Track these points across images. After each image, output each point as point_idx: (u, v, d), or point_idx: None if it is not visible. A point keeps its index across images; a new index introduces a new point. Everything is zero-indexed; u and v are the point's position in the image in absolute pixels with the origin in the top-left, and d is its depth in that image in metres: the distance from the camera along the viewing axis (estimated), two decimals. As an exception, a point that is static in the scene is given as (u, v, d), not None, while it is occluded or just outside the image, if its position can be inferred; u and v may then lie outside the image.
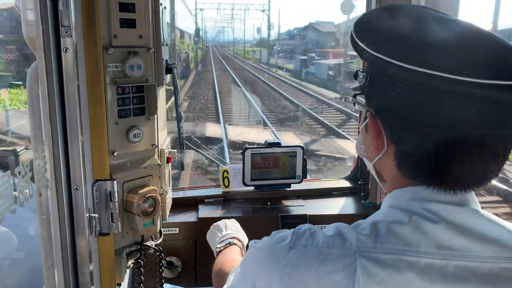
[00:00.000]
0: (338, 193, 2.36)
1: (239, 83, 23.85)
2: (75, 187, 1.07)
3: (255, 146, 2.15)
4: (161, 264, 1.61)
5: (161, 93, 1.50)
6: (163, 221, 1.55)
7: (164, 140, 1.56)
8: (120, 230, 1.22)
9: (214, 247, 1.58)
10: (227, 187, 2.24)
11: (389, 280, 0.68)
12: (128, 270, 1.53)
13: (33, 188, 1.16)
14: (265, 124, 13.23)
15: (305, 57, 33.39)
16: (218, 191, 2.25)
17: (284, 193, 2.26)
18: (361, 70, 0.80)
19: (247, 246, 1.45)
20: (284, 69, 36.42)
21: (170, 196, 1.63)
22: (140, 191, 1.32)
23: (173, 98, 1.80)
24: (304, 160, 2.19)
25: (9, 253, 1.87)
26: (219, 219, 2.03)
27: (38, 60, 1.01)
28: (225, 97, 18.65)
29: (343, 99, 17.35)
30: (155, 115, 1.38)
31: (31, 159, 1.10)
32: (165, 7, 1.46)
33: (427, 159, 0.71)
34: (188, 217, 2.07)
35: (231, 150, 8.07)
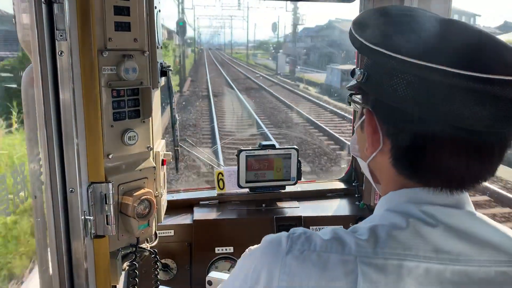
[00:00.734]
0: (333, 194, 2.37)
1: (267, 132, 11.42)
2: (70, 189, 1.07)
3: (250, 148, 2.15)
4: (156, 266, 1.61)
5: (156, 95, 1.51)
6: (158, 224, 1.55)
7: (159, 142, 1.56)
8: (115, 233, 1.22)
9: None
10: (222, 189, 2.24)
11: (391, 287, 0.67)
12: (123, 273, 1.53)
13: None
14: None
15: (345, 67, 20.67)
16: (213, 193, 2.25)
17: (279, 195, 2.27)
18: (358, 68, 0.81)
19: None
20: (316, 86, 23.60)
21: (165, 198, 1.64)
22: (135, 194, 1.32)
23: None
24: (299, 162, 2.20)
25: None
26: (214, 221, 2.04)
27: (33, 63, 1.01)
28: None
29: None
30: (150, 118, 1.38)
31: (26, 161, 1.10)
32: (159, 10, 1.46)
33: (423, 155, 0.71)
34: (183, 219, 2.07)
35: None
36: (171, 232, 2.01)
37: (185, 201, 2.21)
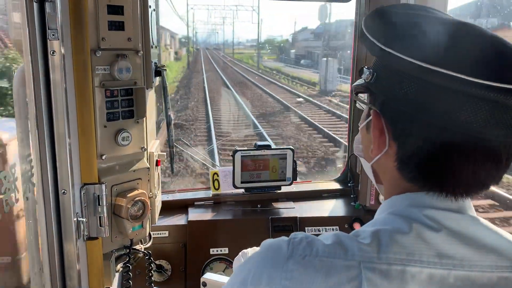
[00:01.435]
0: (328, 195, 2.36)
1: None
2: (63, 191, 1.06)
3: (245, 148, 2.14)
4: (150, 268, 1.60)
5: (150, 96, 1.49)
6: (152, 225, 1.54)
7: (153, 143, 1.55)
8: (108, 234, 1.21)
9: None
10: (217, 189, 2.23)
11: None
12: (117, 274, 1.52)
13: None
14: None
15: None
16: (208, 193, 2.24)
17: (275, 195, 2.26)
18: (366, 67, 0.79)
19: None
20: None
21: (159, 199, 1.62)
22: (129, 195, 1.31)
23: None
24: (294, 162, 2.19)
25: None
26: (209, 222, 2.03)
27: (24, 63, 1.00)
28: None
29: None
30: (144, 118, 1.37)
31: (18, 162, 1.09)
32: (154, 9, 1.45)
33: (429, 160, 0.71)
34: (178, 220, 2.06)
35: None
36: (166, 233, 1.99)
37: (179, 202, 2.19)
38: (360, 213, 2.15)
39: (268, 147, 2.15)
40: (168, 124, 1.87)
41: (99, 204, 1.17)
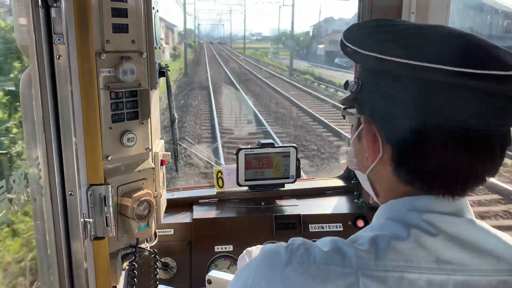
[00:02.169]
0: (332, 192, 2.38)
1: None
2: (70, 192, 1.08)
3: (249, 146, 2.16)
4: (156, 266, 1.62)
5: (154, 96, 1.51)
6: (158, 223, 1.56)
7: (157, 143, 1.57)
8: (114, 234, 1.23)
9: None
10: (221, 187, 2.25)
11: None
12: (123, 272, 1.54)
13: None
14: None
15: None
16: (213, 191, 2.26)
17: (278, 192, 2.27)
18: (350, 80, 0.81)
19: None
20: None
21: (164, 198, 1.64)
22: (134, 195, 1.33)
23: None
24: (298, 160, 2.20)
25: None
26: (213, 219, 2.05)
27: (31, 67, 1.02)
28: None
29: None
30: (149, 119, 1.38)
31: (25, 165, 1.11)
32: (157, 10, 1.46)
33: (425, 159, 0.71)
34: (183, 218, 2.08)
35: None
36: (171, 231, 2.02)
37: (184, 200, 2.22)
38: (364, 210, 2.16)
39: (271, 145, 2.17)
40: (172, 123, 1.89)
41: (105, 205, 1.19)
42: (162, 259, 1.96)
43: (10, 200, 1.04)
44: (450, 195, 0.74)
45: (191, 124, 11.52)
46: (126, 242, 1.40)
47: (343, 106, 0.87)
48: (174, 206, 2.14)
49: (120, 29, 1.25)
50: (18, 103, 1.11)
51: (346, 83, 0.82)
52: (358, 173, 0.90)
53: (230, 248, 2.00)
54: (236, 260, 1.89)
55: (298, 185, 2.30)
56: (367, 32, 0.79)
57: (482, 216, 5.94)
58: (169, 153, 1.65)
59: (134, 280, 1.50)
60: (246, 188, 2.22)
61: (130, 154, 1.34)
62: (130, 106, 1.32)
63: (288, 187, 2.27)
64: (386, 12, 1.91)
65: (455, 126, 0.67)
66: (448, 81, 0.64)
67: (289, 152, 2.19)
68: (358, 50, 0.75)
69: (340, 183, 2.43)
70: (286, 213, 2.11)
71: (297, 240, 0.74)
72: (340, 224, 2.09)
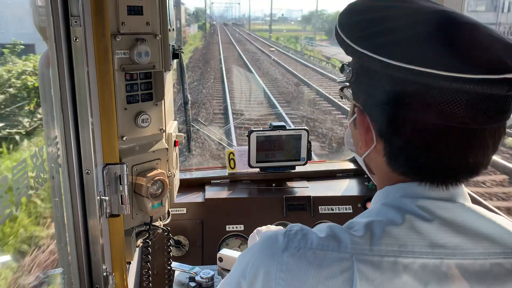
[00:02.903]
0: (342, 174, 2.39)
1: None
2: (86, 171, 1.11)
3: (261, 129, 2.18)
4: (169, 243, 1.67)
5: (168, 78, 1.53)
6: (171, 202, 1.60)
7: (171, 124, 1.59)
8: (129, 212, 1.27)
9: None
10: (233, 168, 2.28)
11: (387, 284, 0.67)
12: (137, 249, 1.59)
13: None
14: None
15: None
16: (224, 172, 2.29)
17: (289, 174, 2.29)
18: (347, 64, 0.80)
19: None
20: None
21: (177, 177, 1.68)
22: (148, 174, 1.36)
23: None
24: (309, 143, 2.22)
25: None
26: (225, 199, 2.08)
27: (49, 49, 1.04)
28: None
29: None
30: (163, 100, 1.41)
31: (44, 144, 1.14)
32: (171, -8, 1.47)
33: (417, 154, 0.72)
34: (195, 197, 2.12)
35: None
36: (184, 210, 2.06)
37: (197, 180, 2.25)
38: (374, 193, 2.17)
39: (283, 127, 2.18)
40: (185, 104, 1.91)
41: (120, 183, 1.23)
42: (175, 237, 2.01)
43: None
44: (443, 185, 0.74)
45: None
46: (141, 220, 1.44)
47: (340, 87, 0.86)
48: (187, 186, 2.18)
49: (135, 11, 1.27)
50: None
51: (342, 67, 0.81)
52: (355, 154, 0.91)
53: (241, 227, 2.04)
54: (247, 239, 1.93)
55: (309, 167, 2.32)
56: (358, 20, 0.76)
57: (491, 198, 5.91)
58: (182, 134, 1.68)
59: (148, 257, 1.55)
60: (257, 169, 2.25)
61: (145, 134, 1.37)
62: (145, 88, 1.34)
63: (299, 169, 2.29)
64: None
65: (447, 125, 0.67)
66: (441, 85, 0.64)
67: (301, 134, 2.20)
68: (350, 44, 0.74)
69: (351, 165, 2.44)
70: (296, 195, 2.14)
71: (295, 226, 0.75)
72: (350, 206, 2.11)
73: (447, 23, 0.70)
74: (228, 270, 1.58)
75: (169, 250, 1.68)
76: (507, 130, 0.74)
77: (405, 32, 0.70)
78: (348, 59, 0.81)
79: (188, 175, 2.28)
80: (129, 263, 1.49)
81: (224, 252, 1.63)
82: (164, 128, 1.44)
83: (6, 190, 0.98)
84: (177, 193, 1.70)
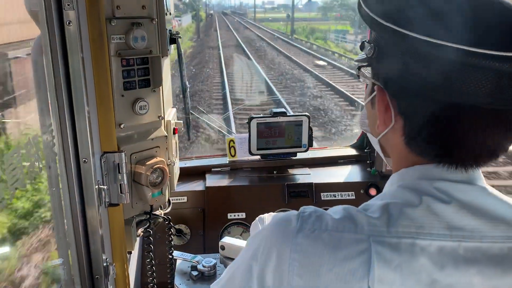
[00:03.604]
0: (344, 161, 2.37)
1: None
2: (83, 159, 1.08)
3: (261, 115, 2.15)
4: (170, 232, 1.65)
5: (166, 64, 1.49)
6: (172, 191, 1.57)
7: (170, 111, 1.56)
8: (129, 201, 1.24)
9: None
10: (233, 156, 2.25)
11: (405, 266, 0.66)
12: (138, 239, 1.57)
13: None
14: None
15: None
16: (225, 160, 2.27)
17: (290, 161, 2.27)
18: (367, 41, 0.77)
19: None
20: None
21: (177, 166, 1.65)
22: (147, 163, 1.33)
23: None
24: (310, 129, 2.19)
25: None
26: (226, 187, 2.06)
27: (41, 33, 1.00)
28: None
29: None
30: (161, 87, 1.38)
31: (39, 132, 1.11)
32: (167, -25, 1.43)
33: (437, 134, 0.70)
34: (196, 186, 2.10)
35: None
36: (184, 199, 2.04)
37: (197, 168, 2.23)
38: (376, 179, 2.16)
39: (283, 114, 2.15)
40: (184, 91, 1.88)
41: (119, 172, 1.20)
42: (176, 226, 2.00)
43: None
44: (463, 167, 0.72)
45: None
46: (141, 209, 1.42)
47: (358, 66, 0.84)
48: (187, 174, 2.16)
49: (130, -6, 1.23)
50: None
51: (362, 44, 0.79)
52: (370, 136, 0.89)
53: (242, 215, 2.02)
54: (249, 227, 1.91)
55: (310, 154, 2.30)
56: None
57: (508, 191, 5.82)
58: (181, 121, 1.65)
59: (150, 246, 1.53)
60: (258, 157, 2.22)
61: (143, 122, 1.34)
62: (142, 74, 1.31)
63: (300, 156, 2.26)
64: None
65: (471, 105, 0.65)
66: (465, 61, 0.62)
67: (302, 121, 2.17)
68: (375, 17, 0.72)
69: (353, 152, 2.42)
70: (298, 182, 2.11)
71: (308, 208, 0.74)
72: (353, 192, 2.09)
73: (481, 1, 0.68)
74: (230, 258, 1.57)
75: (171, 239, 1.66)
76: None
77: (432, 6, 0.67)
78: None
79: (188, 164, 2.26)
80: (130, 253, 1.47)
81: (226, 240, 1.62)
82: (162, 115, 1.41)
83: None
84: (178, 181, 1.68)
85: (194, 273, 1.60)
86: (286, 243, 0.70)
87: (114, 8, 1.20)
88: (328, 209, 0.76)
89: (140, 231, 1.48)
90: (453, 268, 0.67)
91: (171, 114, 1.55)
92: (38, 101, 1.11)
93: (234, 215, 2.02)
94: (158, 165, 1.35)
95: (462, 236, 0.69)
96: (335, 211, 0.74)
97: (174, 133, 1.53)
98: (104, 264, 1.17)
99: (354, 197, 2.07)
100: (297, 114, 2.20)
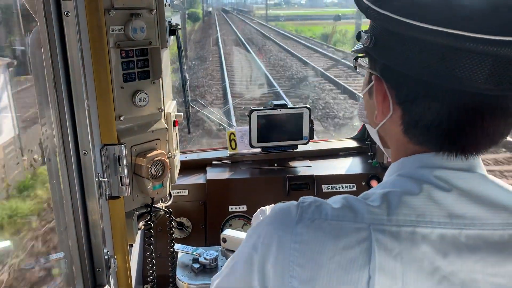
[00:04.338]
0: (345, 153, 2.36)
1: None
2: (83, 152, 1.08)
3: (262, 108, 2.14)
4: (171, 225, 1.64)
5: (165, 55, 1.48)
6: (172, 184, 1.57)
7: (170, 103, 1.55)
8: (130, 194, 1.24)
9: None
10: (234, 149, 2.25)
11: (405, 254, 0.66)
12: (139, 232, 1.56)
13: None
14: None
15: None
16: (226, 153, 2.26)
17: (291, 154, 2.26)
18: (364, 31, 0.77)
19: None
20: None
21: (178, 159, 1.65)
22: (148, 155, 1.32)
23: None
24: (311, 121, 2.18)
25: None
26: (227, 180, 2.06)
27: (39, 24, 0.99)
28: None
29: None
30: (160, 79, 1.36)
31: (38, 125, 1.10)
32: (166, -34, 1.41)
33: (438, 123, 0.69)
34: (197, 179, 2.10)
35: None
36: (185, 192, 2.04)
37: (198, 161, 2.23)
38: (378, 171, 2.15)
39: (284, 106, 2.14)
40: (184, 84, 1.86)
41: (119, 164, 1.19)
42: (177, 219, 1.99)
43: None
44: (462, 155, 0.72)
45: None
46: (142, 202, 1.41)
47: (354, 56, 0.84)
48: (188, 167, 2.16)
49: (129, -16, 1.22)
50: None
51: (359, 34, 0.78)
52: (368, 126, 0.89)
53: (244, 208, 2.02)
54: (250, 219, 1.91)
55: (311, 146, 2.29)
56: None
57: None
58: (182, 114, 1.64)
59: (151, 239, 1.53)
60: (259, 149, 2.22)
61: (143, 114, 1.33)
62: (141, 65, 1.30)
63: (301, 148, 2.26)
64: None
65: (470, 92, 0.65)
66: (462, 46, 0.62)
67: (302, 113, 2.16)
68: (371, 6, 0.71)
69: (353, 144, 2.41)
70: (299, 174, 2.11)
71: (308, 198, 0.74)
72: (354, 184, 2.09)
73: None
74: (231, 251, 1.56)
75: (172, 232, 1.66)
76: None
77: None
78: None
79: (189, 157, 2.25)
80: (131, 246, 1.46)
81: (228, 232, 1.61)
82: (163, 108, 1.40)
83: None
84: (178, 175, 1.67)
85: (196, 265, 1.60)
86: (286, 233, 0.70)
87: (113, -2, 1.18)
88: (334, 196, 0.76)
89: (141, 224, 1.48)
90: (456, 256, 0.67)
91: (171, 106, 1.54)
92: (37, 92, 1.10)
93: (235, 208, 2.02)
94: (159, 158, 1.35)
95: (463, 224, 0.68)
96: (335, 201, 0.73)
97: (174, 125, 1.52)
98: (106, 257, 1.17)
99: (355, 189, 2.07)
100: (297, 106, 2.19)
